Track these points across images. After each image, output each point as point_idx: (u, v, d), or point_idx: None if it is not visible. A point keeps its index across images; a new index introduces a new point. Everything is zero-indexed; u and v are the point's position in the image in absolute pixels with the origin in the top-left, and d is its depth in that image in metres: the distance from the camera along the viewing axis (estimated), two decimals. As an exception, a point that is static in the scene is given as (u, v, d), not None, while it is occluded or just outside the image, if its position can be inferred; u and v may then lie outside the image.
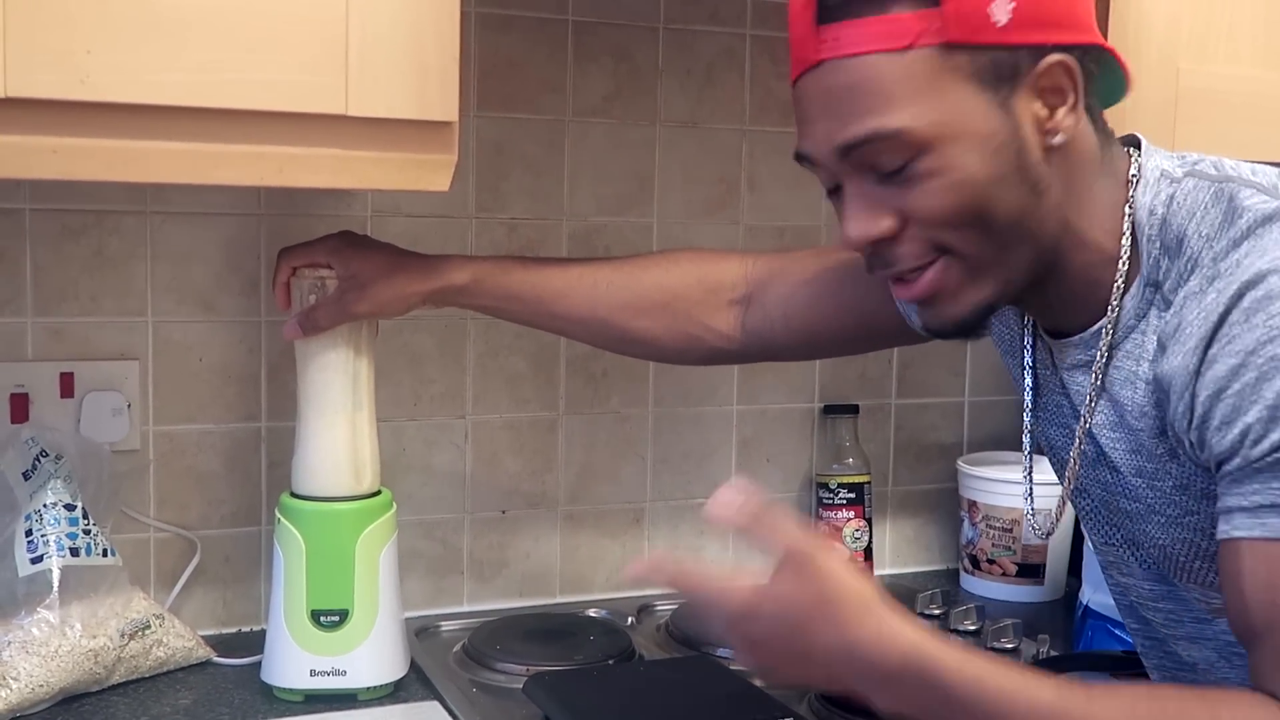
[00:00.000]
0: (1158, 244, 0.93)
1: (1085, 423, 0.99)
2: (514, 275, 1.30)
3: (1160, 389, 0.91)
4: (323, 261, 1.30)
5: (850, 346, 1.41)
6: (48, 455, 1.33)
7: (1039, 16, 0.90)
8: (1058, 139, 0.92)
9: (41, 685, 1.24)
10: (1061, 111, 0.92)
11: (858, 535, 1.75)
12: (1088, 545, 1.55)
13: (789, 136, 1.69)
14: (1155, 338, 0.93)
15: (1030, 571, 1.72)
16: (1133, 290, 0.95)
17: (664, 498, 1.72)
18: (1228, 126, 1.02)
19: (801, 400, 1.78)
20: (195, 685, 1.35)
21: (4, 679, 1.23)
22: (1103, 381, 0.97)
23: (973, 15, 0.88)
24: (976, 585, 1.75)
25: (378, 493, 1.35)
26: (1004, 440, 1.89)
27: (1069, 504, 1.10)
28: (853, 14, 0.89)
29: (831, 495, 1.75)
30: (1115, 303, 0.95)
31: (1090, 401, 0.98)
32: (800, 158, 0.98)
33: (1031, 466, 1.13)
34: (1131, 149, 0.99)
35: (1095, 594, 1.52)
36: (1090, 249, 0.95)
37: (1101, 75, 0.95)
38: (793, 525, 0.91)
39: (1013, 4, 0.88)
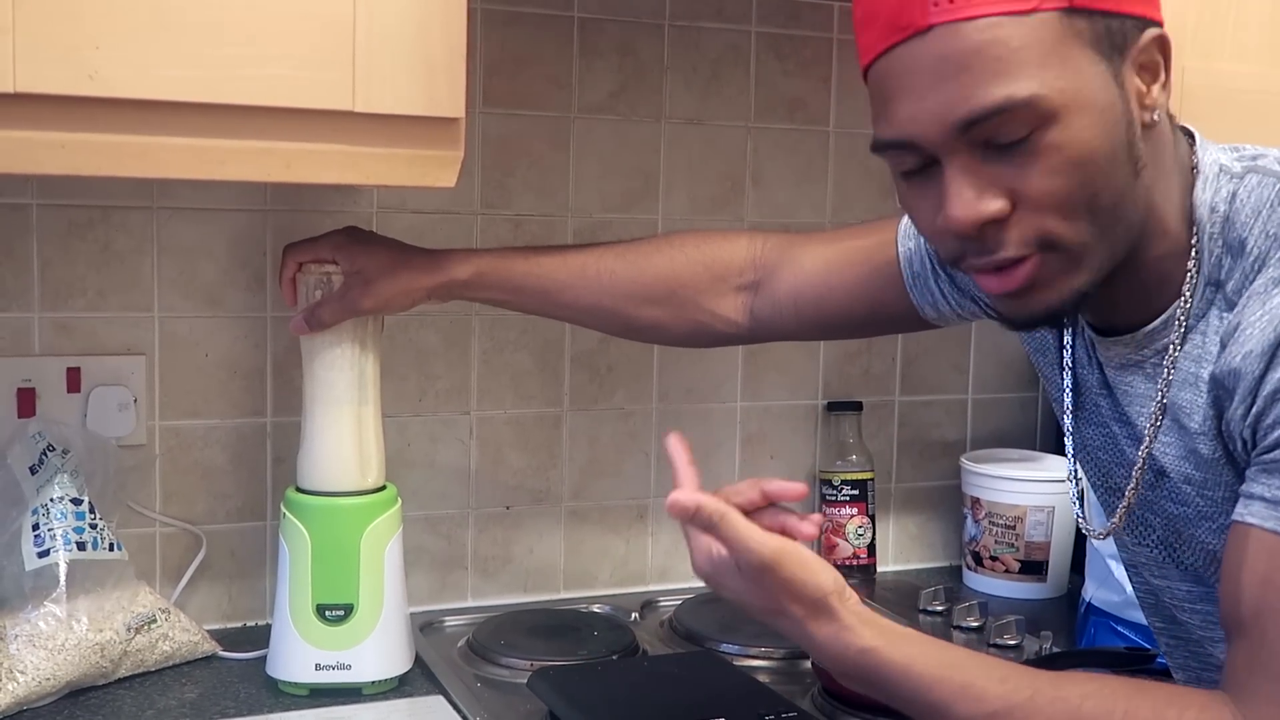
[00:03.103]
0: (1220, 242, 0.91)
1: (1149, 441, 0.96)
2: (518, 268, 1.30)
3: (1221, 387, 0.89)
4: (328, 257, 1.31)
5: (860, 332, 1.40)
6: (54, 450, 1.34)
7: None
8: (1155, 115, 0.88)
9: (48, 678, 1.25)
10: (1156, 88, 0.88)
11: (861, 532, 1.75)
12: (1090, 542, 1.55)
13: (794, 134, 1.72)
14: (1218, 339, 0.90)
15: (1033, 568, 1.72)
16: (1195, 289, 0.93)
17: (668, 493, 1.71)
18: (1234, 124, 1.02)
19: (805, 397, 1.78)
20: (201, 679, 1.35)
21: (11, 672, 1.23)
22: (1164, 386, 0.94)
23: None
24: (979, 582, 1.75)
25: (383, 488, 1.35)
26: (1007, 437, 1.89)
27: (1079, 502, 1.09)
28: None
29: (835, 492, 1.75)
30: (1185, 305, 0.92)
31: (1156, 416, 0.95)
32: (886, 145, 0.90)
33: (1076, 471, 1.08)
34: (1188, 140, 0.96)
35: (1098, 591, 1.52)
36: (1167, 238, 0.92)
37: None
38: (747, 530, 0.90)
39: None
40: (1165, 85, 0.89)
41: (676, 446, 1.00)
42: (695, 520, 0.92)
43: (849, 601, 0.92)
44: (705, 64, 1.67)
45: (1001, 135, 0.84)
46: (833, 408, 1.78)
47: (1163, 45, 0.89)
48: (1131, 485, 0.98)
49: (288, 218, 1.49)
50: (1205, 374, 0.91)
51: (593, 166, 1.63)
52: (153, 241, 1.45)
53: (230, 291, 1.49)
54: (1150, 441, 0.96)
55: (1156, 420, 0.95)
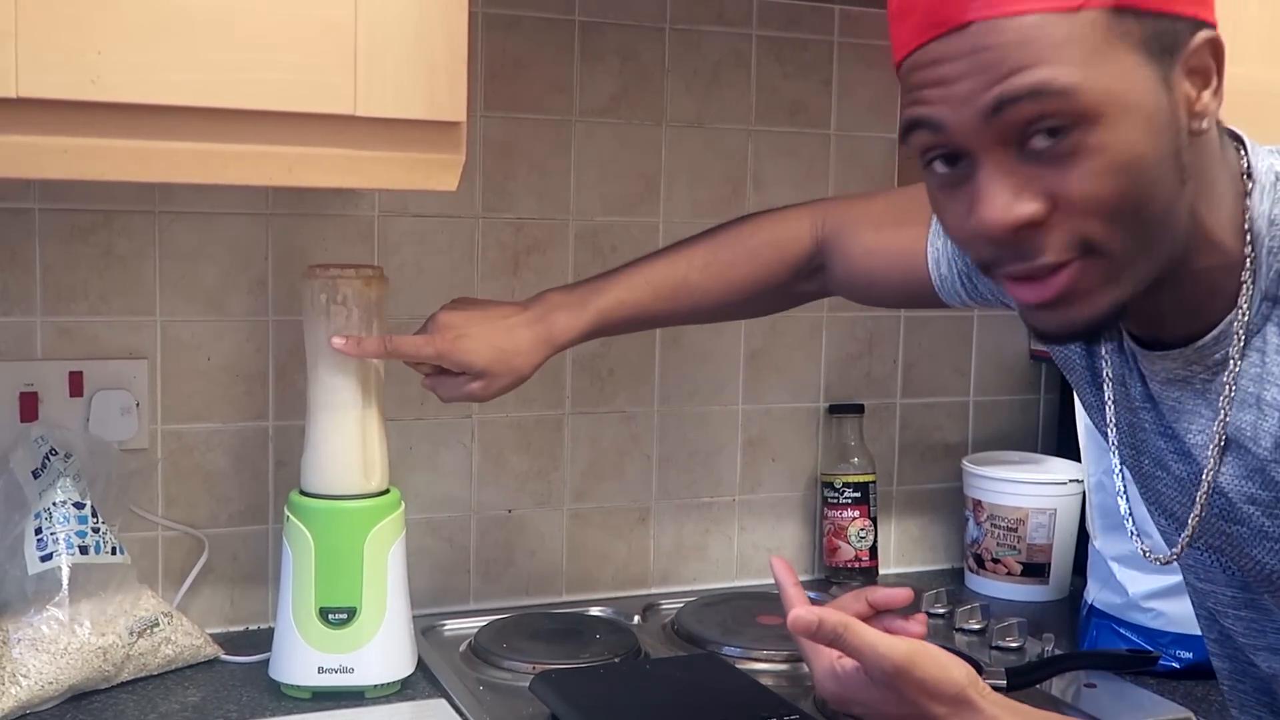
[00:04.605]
0: (1279, 255, 0.86)
1: (1213, 467, 0.91)
2: (616, 316, 1.30)
3: None
4: (432, 359, 1.26)
5: (907, 306, 1.41)
6: (57, 454, 1.34)
7: None
8: (1204, 123, 0.83)
9: (51, 682, 1.25)
10: (1207, 94, 0.83)
11: (863, 534, 1.75)
12: (1093, 544, 1.55)
13: (795, 136, 1.73)
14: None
15: (1035, 571, 1.72)
16: (1250, 304, 0.87)
17: (669, 496, 1.72)
18: (1234, 125, 1.02)
19: (807, 400, 1.78)
20: (203, 683, 1.35)
21: (14, 676, 1.23)
22: (1226, 407, 0.90)
23: None
24: (981, 584, 1.75)
25: (386, 491, 1.35)
26: (1008, 440, 1.89)
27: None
28: None
29: (837, 494, 1.75)
30: (1239, 322, 0.87)
31: (1219, 439, 0.90)
32: (915, 124, 0.84)
33: (1128, 491, 1.03)
34: (1237, 144, 0.91)
35: (1100, 593, 1.52)
36: (1216, 250, 0.87)
37: None
38: (874, 637, 0.93)
39: None
40: (1217, 91, 0.83)
41: (782, 569, 1.04)
42: (819, 634, 0.93)
43: (985, 692, 0.93)
44: (706, 67, 1.67)
45: (1035, 129, 0.79)
46: (834, 410, 1.78)
47: (1215, 49, 0.83)
48: (1195, 512, 0.93)
49: (289, 221, 1.50)
50: (1268, 396, 0.87)
51: (594, 170, 1.63)
52: (155, 245, 1.46)
53: (232, 295, 1.49)
54: (1215, 469, 0.91)
55: (1219, 445, 0.90)
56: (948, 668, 0.92)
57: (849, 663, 0.96)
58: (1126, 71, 0.79)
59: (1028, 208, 0.80)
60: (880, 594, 1.02)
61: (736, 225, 1.34)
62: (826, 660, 0.98)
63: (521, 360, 1.27)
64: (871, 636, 0.93)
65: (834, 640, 0.93)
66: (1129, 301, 0.84)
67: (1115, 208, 0.80)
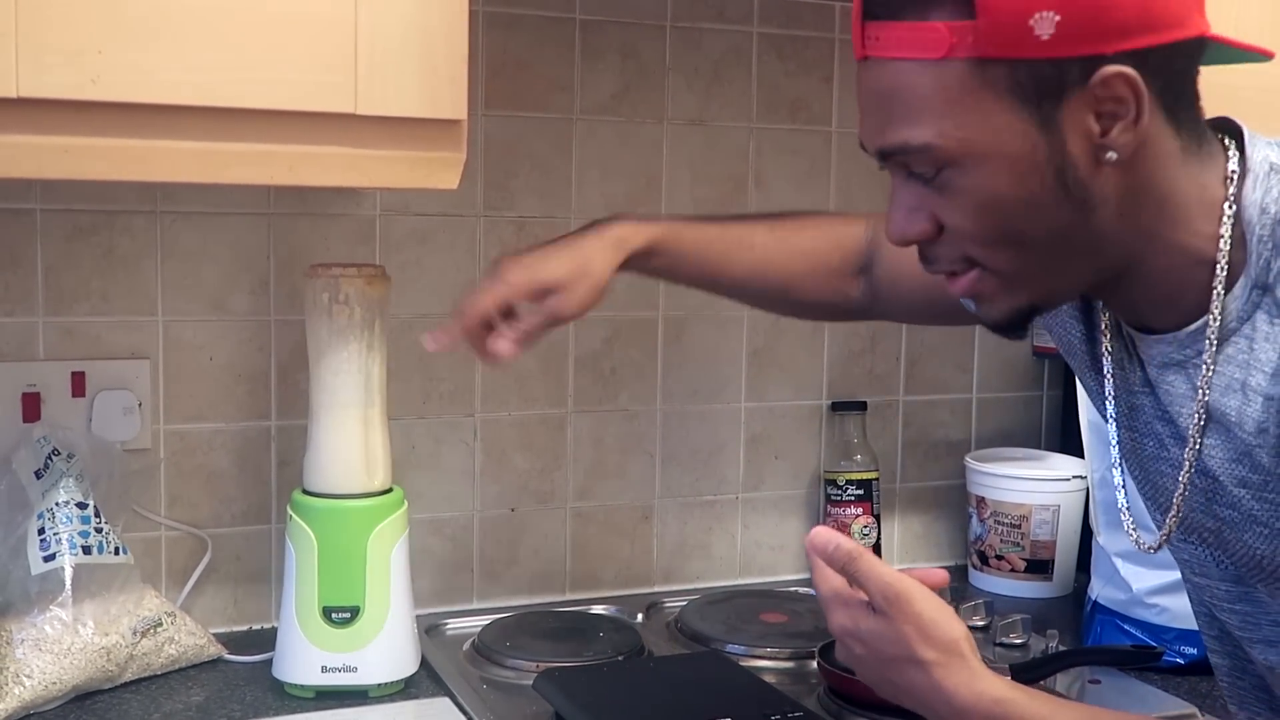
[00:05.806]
0: (1270, 244, 0.88)
1: (1196, 441, 0.93)
2: (685, 245, 1.26)
3: None
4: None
5: (944, 322, 1.40)
6: (60, 454, 1.34)
7: (1092, 27, 0.82)
8: (1110, 156, 0.86)
9: (54, 682, 1.25)
10: (1118, 128, 0.85)
11: (866, 532, 1.75)
12: (1096, 540, 1.55)
13: (796, 134, 1.73)
14: (1271, 347, 0.88)
15: (1039, 567, 1.72)
16: (1235, 291, 0.89)
17: (672, 495, 1.72)
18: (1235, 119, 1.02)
19: (809, 397, 1.78)
20: (207, 682, 1.35)
21: (18, 676, 1.24)
22: (1205, 388, 0.92)
23: (1011, 28, 0.82)
24: (985, 581, 1.75)
25: (389, 490, 1.35)
26: (1012, 436, 1.89)
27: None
28: (891, 15, 0.86)
29: (840, 492, 1.75)
30: (1217, 306, 0.90)
31: (1199, 418, 0.92)
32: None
33: (1125, 481, 1.05)
34: (1227, 137, 0.92)
35: (1104, 589, 1.52)
36: (1176, 252, 0.90)
37: (1213, 56, 0.90)
38: (884, 567, 0.93)
39: (1058, 16, 0.81)
40: (1135, 121, 0.85)
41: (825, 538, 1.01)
42: (834, 556, 0.94)
43: (977, 653, 0.92)
44: (707, 65, 1.67)
45: (914, 169, 0.89)
46: (837, 407, 1.78)
47: (1128, 82, 0.84)
48: (1179, 491, 0.95)
49: (291, 221, 1.50)
50: (1254, 381, 0.89)
51: (595, 168, 1.63)
52: (156, 246, 1.46)
53: (234, 295, 1.49)
54: (1196, 447, 0.93)
55: (1199, 424, 0.92)
56: (949, 616, 0.91)
57: (860, 594, 0.94)
58: (988, 118, 0.85)
59: (916, 228, 0.92)
60: (917, 575, 1.00)
61: (801, 212, 1.36)
62: (837, 583, 0.96)
63: (597, 264, 1.18)
64: (880, 565, 0.92)
65: (845, 564, 0.93)
66: (1040, 307, 0.93)
67: (988, 238, 0.89)
